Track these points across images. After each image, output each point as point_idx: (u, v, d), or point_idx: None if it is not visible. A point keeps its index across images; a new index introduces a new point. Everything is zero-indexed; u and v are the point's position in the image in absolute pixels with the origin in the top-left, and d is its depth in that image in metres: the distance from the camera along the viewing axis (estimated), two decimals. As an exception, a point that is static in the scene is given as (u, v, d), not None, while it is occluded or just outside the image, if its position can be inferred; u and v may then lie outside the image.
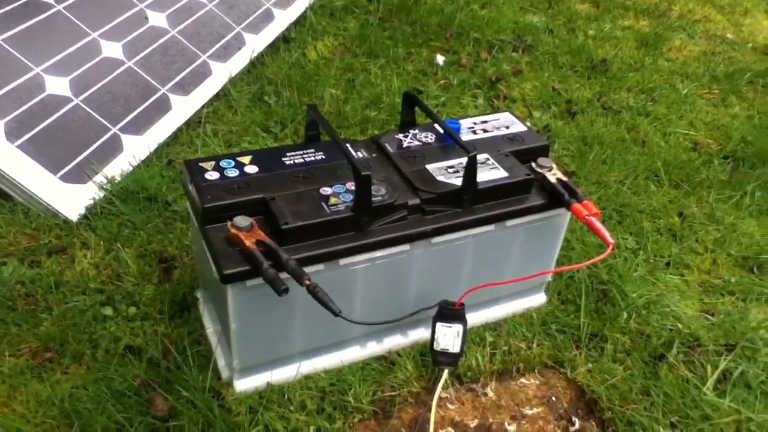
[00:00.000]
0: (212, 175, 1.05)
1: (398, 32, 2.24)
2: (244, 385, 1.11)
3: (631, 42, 2.37)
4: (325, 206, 1.02)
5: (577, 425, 1.13)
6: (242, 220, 0.98)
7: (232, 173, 1.06)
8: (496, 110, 1.68)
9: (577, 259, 1.38)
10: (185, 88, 1.76)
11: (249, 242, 0.96)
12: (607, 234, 1.08)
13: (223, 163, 1.08)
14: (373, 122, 1.80)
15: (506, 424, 1.12)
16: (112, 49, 1.71)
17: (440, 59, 2.14)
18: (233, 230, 0.97)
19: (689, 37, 2.46)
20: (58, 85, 1.56)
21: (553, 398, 1.17)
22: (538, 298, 1.32)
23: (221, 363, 1.14)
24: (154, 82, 1.72)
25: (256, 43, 2.00)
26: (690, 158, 1.79)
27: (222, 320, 1.11)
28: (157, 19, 1.86)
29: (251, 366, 1.10)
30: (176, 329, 1.20)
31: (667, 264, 1.45)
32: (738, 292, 1.39)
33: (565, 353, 1.22)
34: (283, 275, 0.95)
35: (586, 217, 1.10)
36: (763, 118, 2.00)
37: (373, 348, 1.19)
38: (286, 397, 1.10)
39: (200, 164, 1.08)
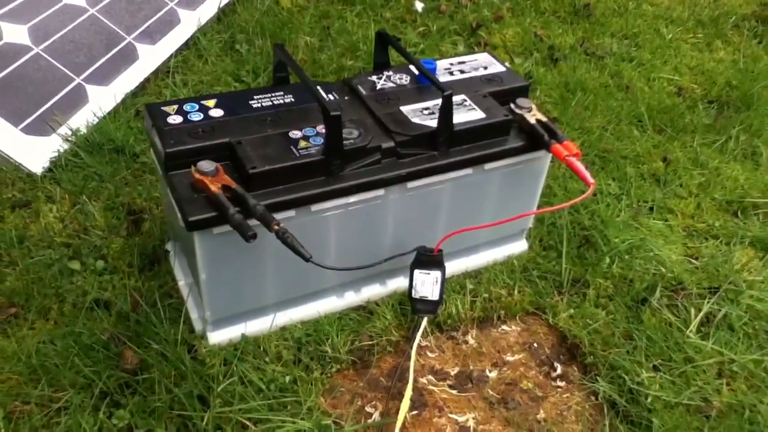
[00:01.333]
0: (175, 119, 1.00)
1: (375, -22, 2.16)
2: (218, 337, 1.08)
3: (615, -14, 2.30)
4: (294, 150, 0.98)
5: (558, 370, 1.11)
6: (207, 165, 0.93)
7: (196, 117, 1.01)
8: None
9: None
10: (152, 36, 1.69)
11: (214, 187, 0.91)
12: (587, 174, 1.04)
13: (187, 107, 1.03)
14: (349, 70, 1.74)
15: (487, 370, 1.10)
16: (73, -4, 1.63)
17: (419, 5, 2.07)
18: (198, 175, 0.93)
19: (674, -18, 2.40)
20: (16, 33, 1.49)
21: (535, 344, 1.15)
22: (519, 245, 1.29)
23: (194, 316, 1.11)
24: (119, 31, 1.64)
25: (227, -10, 1.92)
26: (674, 103, 1.75)
27: (192, 271, 1.08)
28: (121, -36, 1.78)
29: (224, 318, 1.07)
30: (146, 282, 1.16)
31: (651, 209, 1.42)
32: (722, 235, 1.37)
33: (546, 299, 1.20)
34: (253, 222, 0.91)
35: (566, 157, 1.06)
36: (747, 62, 1.96)
37: (351, 298, 1.16)
38: (261, 348, 1.07)
39: (162, 108, 1.03)
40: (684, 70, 1.92)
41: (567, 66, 1.87)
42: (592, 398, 1.07)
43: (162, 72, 1.67)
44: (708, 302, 1.19)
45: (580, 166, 1.05)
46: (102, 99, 1.51)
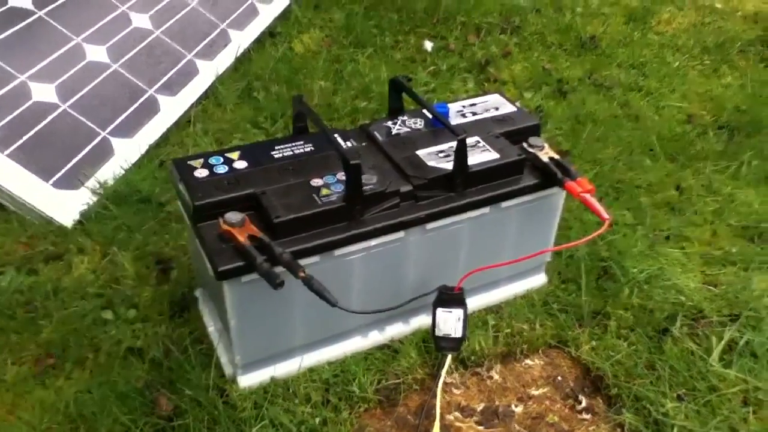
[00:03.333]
0: (201, 173, 1.05)
1: (384, 20, 2.22)
2: (248, 381, 1.10)
3: (620, 17, 2.35)
4: (316, 197, 1.01)
5: (584, 403, 1.12)
6: (234, 216, 0.97)
7: (222, 170, 1.06)
8: (486, 93, 1.67)
9: (576, 238, 1.37)
10: (172, 88, 1.75)
11: (242, 238, 0.95)
12: (602, 209, 1.07)
13: (212, 160, 1.07)
14: (363, 112, 1.78)
15: (513, 405, 1.11)
16: (96, 53, 1.70)
17: (428, 45, 2.13)
18: (225, 226, 0.97)
19: (678, 9, 2.44)
20: (44, 92, 1.55)
21: (559, 377, 1.16)
22: (539, 279, 1.31)
23: (224, 360, 1.13)
24: (141, 84, 1.71)
25: (242, 40, 1.99)
26: (684, 131, 1.78)
27: (221, 317, 1.11)
28: (141, 20, 1.85)
29: (254, 361, 1.10)
30: (177, 329, 1.19)
31: (667, 237, 1.44)
32: (739, 261, 1.38)
33: (568, 332, 1.21)
34: (279, 269, 0.94)
35: (580, 194, 1.09)
36: (755, 87, 1.99)
37: (376, 337, 1.19)
38: (290, 390, 1.09)
39: (189, 162, 1.07)
40: (692, 97, 1.95)
41: (576, 98, 1.91)
42: (618, 430, 1.08)
43: (183, 122, 1.72)
44: (729, 330, 1.20)
45: (595, 202, 1.08)
46: (127, 151, 1.56)
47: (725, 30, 2.31)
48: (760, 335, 1.19)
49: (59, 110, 1.55)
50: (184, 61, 1.83)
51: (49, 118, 1.52)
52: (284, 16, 2.20)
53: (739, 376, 1.12)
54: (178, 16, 1.93)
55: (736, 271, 1.36)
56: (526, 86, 1.98)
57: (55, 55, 1.63)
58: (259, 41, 2.06)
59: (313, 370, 1.13)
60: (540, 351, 1.20)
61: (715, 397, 1.09)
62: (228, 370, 1.12)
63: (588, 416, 1.10)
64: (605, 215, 1.07)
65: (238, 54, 1.94)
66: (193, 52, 1.87)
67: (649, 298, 1.26)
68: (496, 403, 1.11)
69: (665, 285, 1.29)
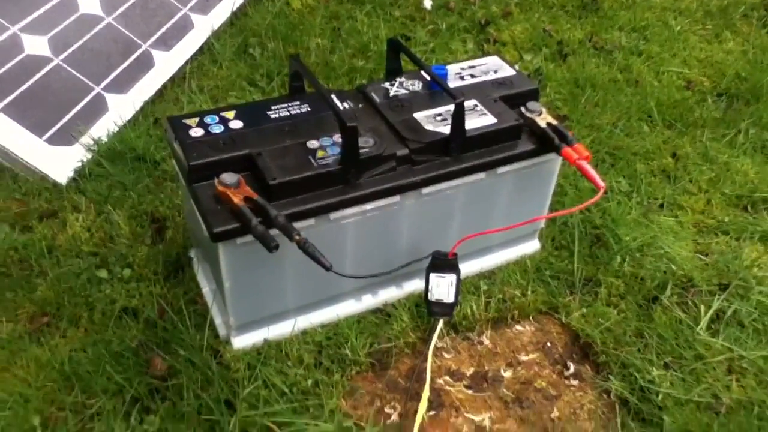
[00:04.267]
0: (197, 132, 1.04)
1: (384, -23, 2.18)
2: (242, 342, 1.11)
3: (624, -22, 2.31)
4: (312, 160, 1.01)
5: (572, 369, 1.14)
6: (229, 177, 0.97)
7: (217, 129, 1.05)
8: (485, 54, 1.65)
9: (571, 204, 1.38)
10: (167, 42, 1.72)
11: (237, 199, 0.95)
12: (597, 177, 1.06)
13: (208, 119, 1.06)
14: (361, 72, 1.76)
15: (502, 370, 1.13)
16: (89, 5, 1.67)
17: (428, 3, 2.09)
18: (221, 188, 0.96)
19: (683, -29, 2.40)
20: (37, 45, 1.53)
21: (548, 344, 1.18)
22: (532, 245, 1.32)
23: (218, 321, 1.14)
24: (135, 38, 1.68)
25: (239, -6, 1.95)
26: (683, 97, 1.77)
27: (216, 278, 1.11)
28: (135, -28, 1.81)
29: (247, 323, 1.11)
30: (171, 289, 1.20)
31: (661, 206, 1.44)
32: (732, 231, 1.39)
33: (559, 299, 1.23)
34: (274, 231, 0.94)
35: (577, 160, 1.08)
36: (757, 53, 1.97)
37: (369, 301, 1.20)
38: (283, 352, 1.11)
39: (184, 121, 1.06)
40: (693, 62, 1.93)
41: (576, 61, 1.89)
42: (605, 396, 1.10)
43: (178, 78, 1.70)
44: (718, 299, 1.21)
45: (590, 170, 1.08)
46: (121, 107, 1.55)
47: (730, -7, 2.28)
48: (747, 305, 1.21)
49: (52, 64, 1.52)
50: (179, 15, 1.79)
51: (42, 72, 1.50)
52: (281, -31, 2.15)
53: (725, 345, 1.14)
54: (172, -31, 1.88)
55: (728, 241, 1.37)
56: (526, 48, 1.95)
57: (47, 6, 1.60)
58: (255, -4, 2.02)
59: (306, 333, 1.14)
60: (531, 317, 1.22)
61: (701, 365, 1.11)
62: (222, 331, 1.13)
63: (576, 382, 1.12)
64: (600, 183, 1.07)
65: (234, 9, 1.91)
66: (188, 6, 1.83)
67: (640, 267, 1.27)
68: (486, 368, 1.13)
69: (657, 254, 1.30)
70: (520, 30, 2.01)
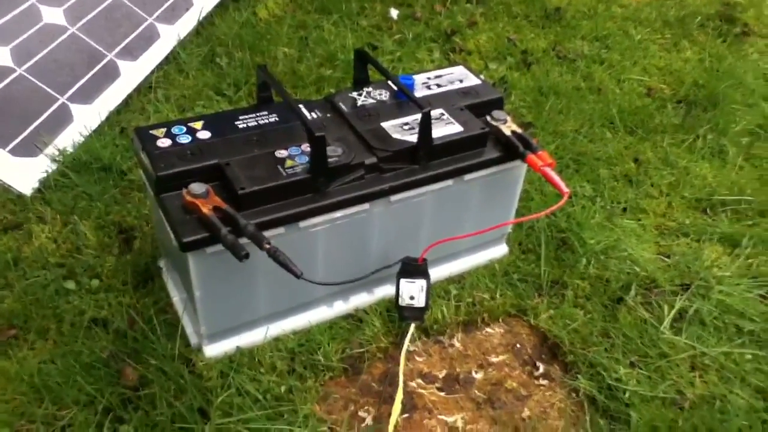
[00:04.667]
0: (164, 142, 1.04)
1: (351, -13, 2.20)
2: (214, 350, 1.11)
3: (585, -11, 2.36)
4: (281, 169, 1.02)
5: (541, 369, 1.16)
6: (198, 187, 0.97)
7: (185, 139, 1.05)
8: (452, 64, 1.67)
9: (537, 209, 1.40)
10: (133, 52, 1.71)
11: (206, 209, 0.95)
12: (561, 183, 1.09)
13: (175, 130, 1.06)
14: (328, 81, 1.78)
15: (473, 372, 1.15)
16: (53, 15, 1.65)
17: (394, 13, 2.12)
18: (189, 198, 0.96)
19: (641, -18, 2.47)
20: (-1, 56, 1.51)
21: (518, 345, 1.20)
22: (500, 250, 1.34)
23: (189, 330, 1.14)
24: (100, 48, 1.67)
25: (204, 3, 1.95)
26: (644, 104, 1.82)
27: (186, 288, 1.11)
28: (100, -18, 1.80)
29: (219, 331, 1.10)
30: (141, 299, 1.19)
31: (624, 209, 1.48)
32: (692, 233, 1.43)
33: (527, 301, 1.25)
34: (244, 241, 0.95)
35: (541, 167, 1.11)
36: (713, 62, 2.03)
37: (340, 307, 1.21)
38: (256, 359, 1.11)
39: (151, 132, 1.06)
40: (653, 70, 1.98)
41: (540, 70, 1.93)
42: (574, 395, 1.12)
43: (144, 88, 1.69)
44: (680, 299, 1.25)
45: (555, 176, 1.10)
46: (87, 117, 1.53)
47: (686, 4, 2.35)
48: (708, 304, 1.25)
49: (15, 74, 1.51)
50: (144, 25, 1.79)
51: (5, 82, 1.48)
52: (248, -21, 2.16)
53: (688, 343, 1.17)
54: (138, -22, 1.87)
55: (688, 242, 1.41)
56: (491, 57, 1.99)
57: (9, 16, 1.58)
58: (221, 5, 2.02)
59: (279, 340, 1.14)
60: (500, 320, 1.24)
61: (665, 362, 1.14)
62: (193, 339, 1.13)
63: (545, 382, 1.14)
64: (565, 189, 1.09)
65: (201, 18, 1.91)
66: (154, 16, 1.82)
67: (605, 269, 1.30)
68: (457, 370, 1.15)
69: (621, 256, 1.33)
70: (485, 39, 2.05)
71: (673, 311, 1.22)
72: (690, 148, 1.67)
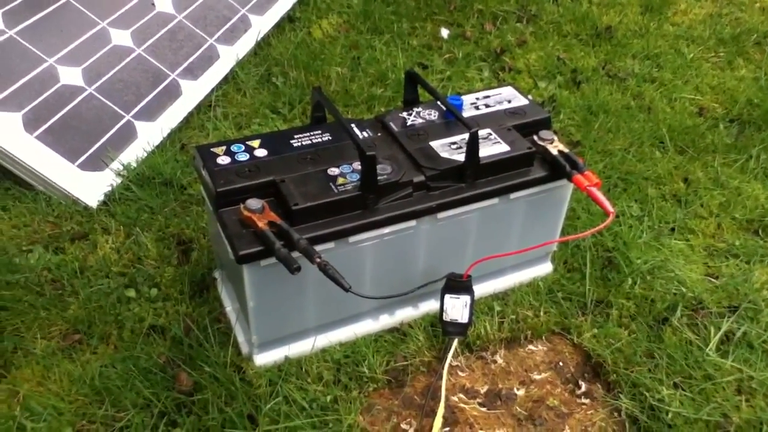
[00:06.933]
0: (224, 160, 1.10)
1: (402, 7, 2.25)
2: (264, 359, 1.16)
3: (636, 7, 2.36)
4: (333, 186, 1.06)
5: (583, 388, 1.17)
6: (254, 203, 1.02)
7: (243, 157, 1.11)
8: (501, 82, 1.70)
9: (583, 228, 1.41)
10: (194, 72, 1.80)
11: (261, 224, 1.00)
12: (607, 203, 1.11)
13: (234, 148, 1.12)
14: (379, 99, 1.82)
15: (515, 389, 1.17)
16: (121, 37, 1.75)
17: (444, 33, 2.16)
18: (246, 213, 1.02)
19: (695, 0, 2.44)
20: (71, 75, 1.61)
21: (560, 363, 1.21)
22: (545, 268, 1.35)
23: (241, 339, 1.19)
24: (163, 68, 1.76)
25: (262, 24, 2.03)
26: (695, 123, 1.80)
27: (240, 298, 1.16)
28: (164, 4, 1.89)
29: (269, 341, 1.15)
30: (197, 308, 1.25)
31: (672, 229, 1.47)
32: (742, 254, 1.41)
33: (571, 320, 1.26)
34: (296, 254, 0.99)
35: (587, 187, 1.13)
36: (769, 80, 2.00)
37: (386, 320, 1.24)
38: (303, 369, 1.15)
39: (212, 149, 1.12)
40: (705, 89, 1.96)
41: (589, 88, 1.93)
42: (615, 415, 1.13)
43: (204, 106, 1.77)
44: (727, 321, 1.24)
45: (600, 196, 1.12)
46: (150, 134, 1.62)
47: (742, 21, 2.32)
48: (757, 326, 1.23)
49: (85, 93, 1.60)
50: (205, 46, 1.87)
51: (76, 101, 1.58)
52: (303, 0, 2.23)
53: (735, 366, 1.16)
54: (200, 1, 1.96)
55: (738, 264, 1.39)
56: (540, 75, 2.00)
57: (81, 39, 1.68)
58: (278, 26, 2.10)
59: (326, 351, 1.18)
60: (543, 337, 1.25)
61: (710, 385, 1.14)
62: (245, 348, 1.18)
63: (587, 401, 1.15)
64: (610, 209, 1.11)
65: (258, 39, 1.99)
66: (215, 37, 1.91)
67: (651, 289, 1.30)
68: (499, 386, 1.17)
69: (668, 276, 1.33)
70: (534, 58, 2.07)
71: (720, 333, 1.22)
72: (742, 169, 1.65)
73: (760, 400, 1.12)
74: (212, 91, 1.80)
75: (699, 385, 1.14)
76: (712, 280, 1.35)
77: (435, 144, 1.17)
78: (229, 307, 1.25)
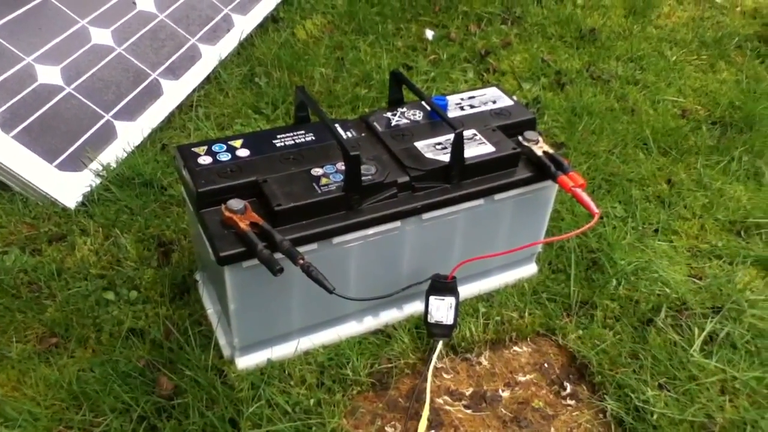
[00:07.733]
0: (205, 160, 1.08)
1: (387, 8, 2.24)
2: (246, 362, 1.14)
3: (620, 10, 2.37)
4: (316, 187, 1.05)
5: (568, 389, 1.16)
6: (236, 203, 1.00)
7: (225, 157, 1.09)
8: (485, 84, 1.70)
9: (567, 229, 1.41)
10: (175, 72, 1.77)
11: (243, 224, 0.98)
12: (592, 204, 1.10)
13: (215, 148, 1.10)
14: (363, 100, 1.81)
15: (500, 390, 1.16)
16: (101, 36, 1.72)
17: (429, 34, 2.15)
18: (227, 213, 1.00)
19: (677, 3, 2.46)
20: (49, 74, 1.58)
21: (545, 364, 1.21)
22: (529, 269, 1.35)
23: (222, 342, 1.17)
24: (144, 68, 1.73)
25: (245, 24, 2.01)
26: (678, 125, 1.81)
27: (221, 300, 1.15)
28: (146, 3, 1.87)
29: (251, 344, 1.13)
30: (177, 311, 1.23)
31: (656, 231, 1.48)
32: (725, 255, 1.42)
33: (556, 321, 1.26)
34: (278, 255, 0.98)
35: (572, 188, 1.12)
36: (750, 83, 2.02)
37: (370, 323, 1.23)
38: (286, 372, 1.14)
39: (193, 149, 1.10)
40: (688, 91, 1.98)
41: (574, 90, 1.93)
42: (601, 416, 1.12)
43: (185, 106, 1.75)
44: (711, 321, 1.24)
45: (585, 197, 1.11)
46: (130, 134, 1.59)
47: (724, 25, 2.34)
48: (740, 327, 1.23)
49: (64, 93, 1.57)
50: (187, 46, 1.85)
51: (54, 100, 1.55)
52: (287, 1, 2.21)
53: (718, 366, 1.16)
54: (182, 0, 1.94)
55: (721, 265, 1.40)
56: (525, 77, 2.00)
57: (60, 38, 1.65)
58: (262, 26, 2.08)
59: (309, 353, 1.17)
60: (528, 339, 1.24)
61: (695, 385, 1.13)
62: (226, 351, 1.16)
63: (572, 402, 1.14)
64: (595, 210, 1.10)
65: (241, 39, 1.97)
66: (197, 37, 1.89)
67: (635, 290, 1.30)
68: (484, 388, 1.16)
69: (652, 277, 1.33)
70: (519, 60, 2.07)
71: (704, 334, 1.22)
72: (725, 170, 1.66)
73: (744, 401, 1.12)
74: (194, 91, 1.78)
75: (683, 385, 1.13)
76: (696, 281, 1.35)
77: (420, 144, 1.16)
78: (211, 310, 1.23)
